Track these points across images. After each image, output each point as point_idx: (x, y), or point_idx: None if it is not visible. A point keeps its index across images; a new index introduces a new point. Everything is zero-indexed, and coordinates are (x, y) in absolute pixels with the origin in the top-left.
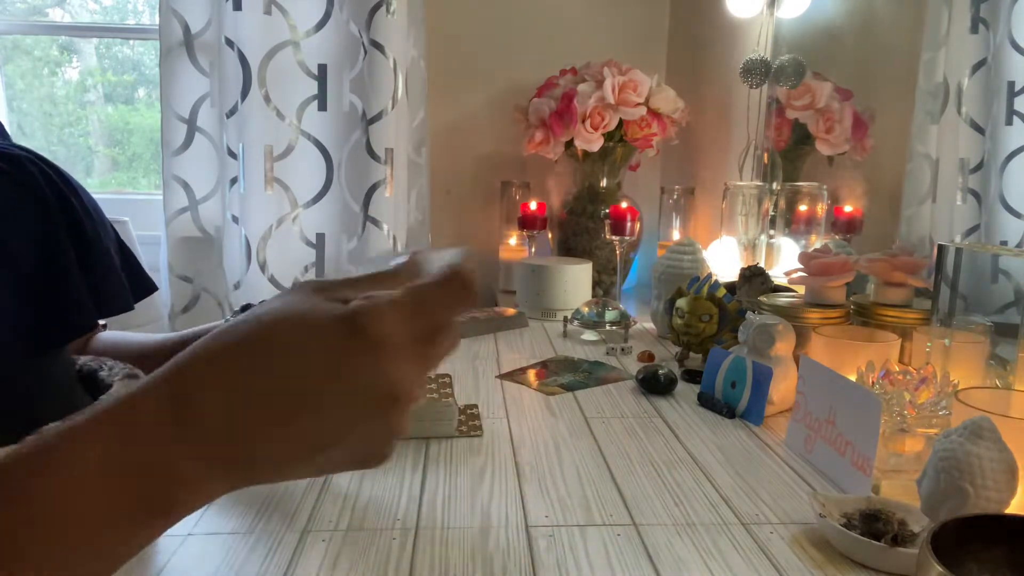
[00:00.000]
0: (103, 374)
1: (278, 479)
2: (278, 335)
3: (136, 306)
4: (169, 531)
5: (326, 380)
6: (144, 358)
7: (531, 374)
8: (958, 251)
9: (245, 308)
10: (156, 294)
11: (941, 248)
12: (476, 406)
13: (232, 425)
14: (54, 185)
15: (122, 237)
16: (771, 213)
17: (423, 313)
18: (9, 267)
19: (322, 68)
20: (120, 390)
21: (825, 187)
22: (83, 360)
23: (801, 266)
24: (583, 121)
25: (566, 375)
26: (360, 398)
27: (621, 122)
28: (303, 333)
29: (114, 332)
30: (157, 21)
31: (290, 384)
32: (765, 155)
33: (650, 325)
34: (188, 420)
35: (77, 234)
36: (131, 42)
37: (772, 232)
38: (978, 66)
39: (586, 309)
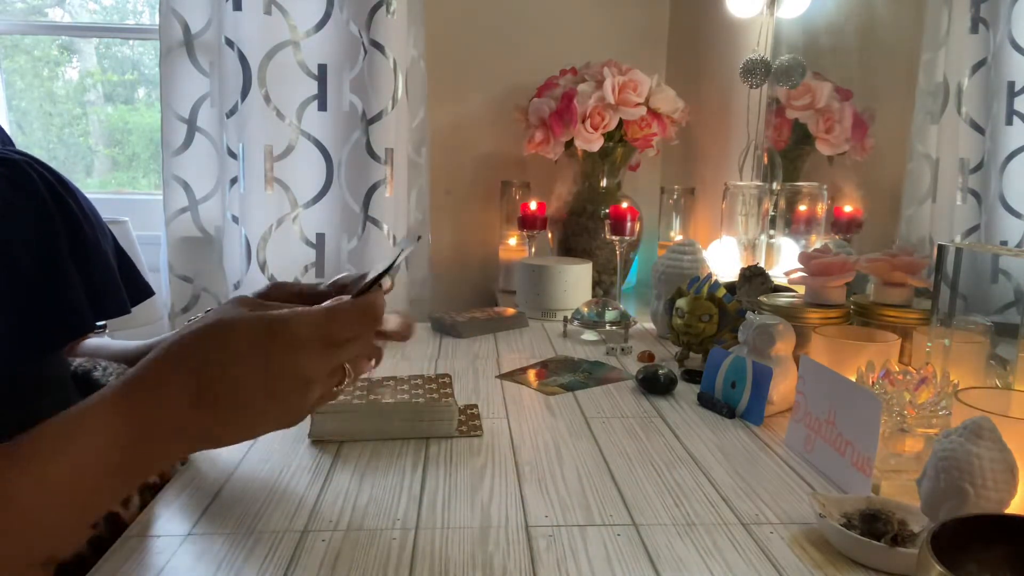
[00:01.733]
0: (97, 374)
1: (226, 440)
2: (224, 334)
3: (135, 308)
4: (169, 531)
5: (249, 368)
6: (122, 363)
7: (531, 374)
8: (958, 251)
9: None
10: (156, 294)
11: (941, 248)
12: (476, 406)
13: (183, 421)
14: (52, 189)
15: (122, 237)
16: (771, 213)
17: (331, 325)
18: (8, 269)
19: (322, 68)
20: (104, 391)
21: (825, 187)
22: (78, 362)
23: (801, 266)
24: (583, 121)
25: (566, 375)
26: (280, 380)
27: (621, 122)
28: (236, 338)
29: (96, 339)
30: (157, 21)
31: (227, 375)
32: (765, 155)
33: (650, 325)
34: (149, 411)
35: (75, 237)
36: (131, 42)
37: (772, 232)
38: (978, 66)
39: (586, 309)
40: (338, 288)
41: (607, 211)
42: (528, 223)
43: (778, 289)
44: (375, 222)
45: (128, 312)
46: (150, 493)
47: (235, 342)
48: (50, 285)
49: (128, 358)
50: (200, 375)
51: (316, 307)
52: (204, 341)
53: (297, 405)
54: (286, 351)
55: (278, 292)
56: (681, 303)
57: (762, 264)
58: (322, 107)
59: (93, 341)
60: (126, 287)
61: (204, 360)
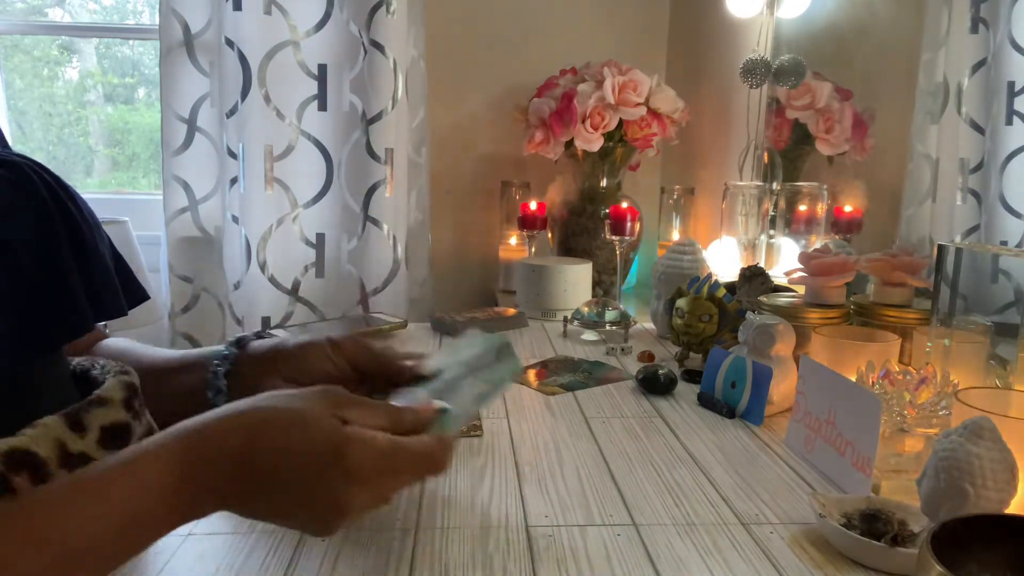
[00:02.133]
0: (95, 372)
1: (254, 518)
2: (293, 431)
3: (132, 310)
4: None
5: (304, 481)
6: (143, 373)
7: (531, 374)
8: (958, 251)
9: (240, 341)
10: (156, 294)
11: (941, 248)
12: None
13: (228, 488)
14: (52, 191)
15: (122, 237)
16: (771, 213)
17: (394, 460)
18: (8, 268)
19: (322, 68)
20: (164, 436)
21: (825, 187)
22: (77, 360)
23: (801, 266)
24: (583, 121)
25: (566, 375)
26: (324, 500)
27: (621, 122)
28: (302, 441)
29: (117, 341)
30: (157, 21)
31: (279, 473)
32: (765, 155)
33: (650, 325)
34: (201, 473)
35: (75, 239)
36: (131, 42)
37: (772, 232)
38: (978, 66)
39: (586, 309)
40: (413, 377)
41: (607, 211)
42: (528, 223)
43: (778, 289)
44: (375, 222)
45: (125, 313)
46: None
47: (300, 445)
48: (50, 285)
49: (159, 369)
50: (254, 458)
51: (383, 442)
52: (274, 428)
53: (331, 524)
54: (341, 477)
55: (354, 345)
56: (681, 303)
57: (762, 264)
58: (322, 107)
59: (116, 343)
60: (122, 290)
61: (265, 447)
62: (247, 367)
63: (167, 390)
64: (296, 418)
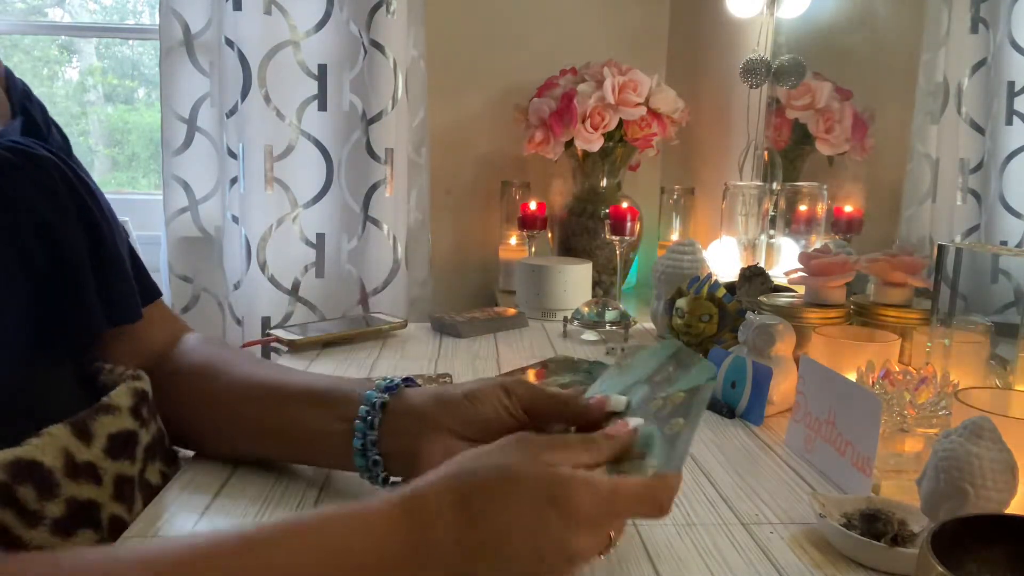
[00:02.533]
0: (104, 377)
1: None
2: (507, 486)
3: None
4: (169, 531)
5: (523, 532)
6: (246, 389)
7: (531, 374)
8: (958, 251)
9: (389, 388)
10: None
11: (941, 248)
12: None
13: (452, 551)
14: (72, 188)
15: None
16: (771, 213)
17: (615, 505)
18: (22, 268)
19: (322, 68)
20: (379, 500)
21: (825, 187)
22: (85, 364)
23: (801, 266)
24: (583, 121)
25: (566, 375)
26: (544, 553)
27: (621, 122)
28: (517, 494)
29: (209, 346)
30: (157, 21)
31: (499, 530)
32: (765, 155)
33: (650, 325)
34: (424, 542)
35: (94, 241)
36: (131, 42)
37: (772, 232)
38: (978, 66)
39: (586, 309)
40: (602, 416)
41: (607, 211)
42: (528, 223)
43: (778, 289)
44: (375, 222)
45: (140, 318)
46: (151, 493)
47: (515, 496)
48: (64, 287)
49: (282, 394)
50: (472, 521)
51: (605, 480)
52: (486, 487)
53: (558, 573)
54: (561, 522)
55: (526, 390)
56: (681, 303)
57: (762, 264)
58: (322, 107)
59: (209, 348)
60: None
61: (481, 507)
62: (400, 417)
63: (289, 419)
64: (505, 472)
